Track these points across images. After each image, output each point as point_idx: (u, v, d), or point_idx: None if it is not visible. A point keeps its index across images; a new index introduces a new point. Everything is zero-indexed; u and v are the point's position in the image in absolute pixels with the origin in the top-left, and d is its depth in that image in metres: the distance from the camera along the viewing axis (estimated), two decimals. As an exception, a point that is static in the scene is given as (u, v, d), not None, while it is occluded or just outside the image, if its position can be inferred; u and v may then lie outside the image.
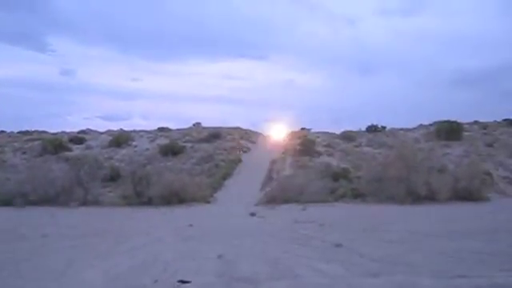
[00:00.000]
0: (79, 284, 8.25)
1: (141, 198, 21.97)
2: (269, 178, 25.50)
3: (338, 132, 40.19)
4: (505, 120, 40.95)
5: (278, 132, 44.14)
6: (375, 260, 9.66)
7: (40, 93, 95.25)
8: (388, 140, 33.61)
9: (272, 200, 21.09)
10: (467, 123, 37.54)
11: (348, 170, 25.42)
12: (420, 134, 36.51)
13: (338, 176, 24.07)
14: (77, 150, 33.59)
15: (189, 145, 34.08)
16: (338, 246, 11.38)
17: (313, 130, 44.47)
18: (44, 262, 10.28)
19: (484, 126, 37.77)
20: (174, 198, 21.80)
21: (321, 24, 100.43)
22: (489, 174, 23.84)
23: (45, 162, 28.51)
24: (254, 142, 39.07)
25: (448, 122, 34.92)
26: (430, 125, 38.05)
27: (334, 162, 28.37)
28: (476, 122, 39.74)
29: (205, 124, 47.67)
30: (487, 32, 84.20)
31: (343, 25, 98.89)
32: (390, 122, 41.63)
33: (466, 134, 34.10)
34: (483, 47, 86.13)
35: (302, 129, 46.12)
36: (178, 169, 26.42)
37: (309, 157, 29.74)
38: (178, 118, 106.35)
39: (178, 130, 43.97)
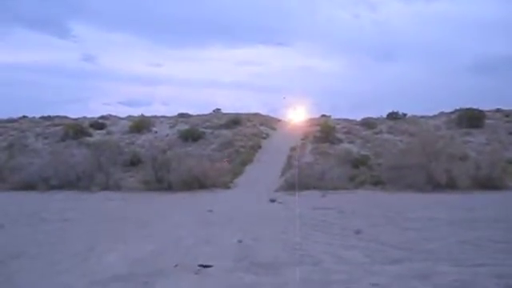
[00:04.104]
0: (101, 268, 8.36)
1: (161, 183, 22.10)
2: (289, 165, 25.48)
3: (358, 119, 39.97)
4: (528, 108, 40.35)
5: (298, 119, 43.96)
6: (395, 247, 9.67)
7: (62, 78, 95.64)
8: (409, 127, 33.34)
9: (292, 186, 21.07)
10: (489, 111, 36.97)
11: (368, 157, 25.33)
12: (441, 121, 36.11)
13: (358, 163, 24.00)
14: (98, 136, 33.83)
15: (209, 131, 34.12)
16: (358, 232, 11.40)
17: (333, 117, 44.21)
18: (65, 245, 10.43)
19: (506, 114, 37.18)
20: (195, 183, 21.89)
21: (342, 9, 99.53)
22: (511, 162, 23.60)
23: (66, 147, 28.82)
24: (274, 129, 38.98)
25: (470, 109, 34.54)
26: (452, 112, 37.60)
27: (355, 148, 28.26)
28: (498, 110, 39.11)
29: (225, 110, 47.60)
30: (509, 18, 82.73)
31: (364, 10, 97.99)
32: (411, 109, 41.22)
33: (488, 121, 33.69)
34: (507, 33, 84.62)
35: (323, 115, 45.81)
36: (198, 154, 26.50)
37: (329, 143, 29.67)
38: (198, 103, 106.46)
39: (198, 115, 43.99)
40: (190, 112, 46.15)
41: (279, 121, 43.86)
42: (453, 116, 36.11)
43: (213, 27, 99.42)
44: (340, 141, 30.78)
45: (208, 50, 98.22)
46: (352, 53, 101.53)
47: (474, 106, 34.99)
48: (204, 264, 8.28)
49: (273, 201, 18.41)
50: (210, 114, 46.26)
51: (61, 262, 8.82)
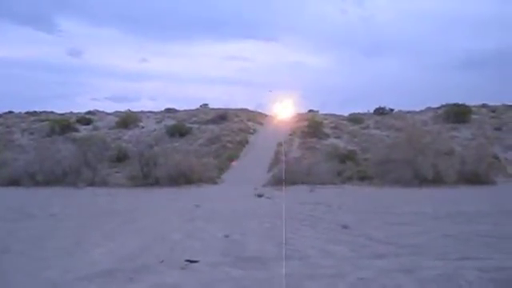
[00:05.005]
0: (87, 263, 8.31)
1: (148, 178, 22.06)
2: (276, 160, 25.51)
3: (345, 114, 40.19)
4: (514, 103, 40.59)
5: (285, 114, 44.07)
6: (381, 242, 9.70)
7: (48, 74, 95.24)
8: (396, 122, 33.51)
9: (279, 181, 21.08)
10: (475, 106, 37.30)
11: (355, 152, 25.44)
12: (428, 116, 36.36)
13: (345, 158, 24.08)
14: (84, 131, 33.72)
15: (196, 126, 34.11)
16: (345, 227, 11.42)
17: (320, 112, 44.39)
18: (51, 241, 10.35)
19: (492, 110, 37.52)
20: (181, 178, 21.86)
21: (329, 4, 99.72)
22: (496, 157, 23.77)
23: (52, 142, 28.64)
24: (261, 124, 39.03)
25: (456, 105, 34.82)
26: (438, 108, 37.89)
27: (342, 144, 28.37)
28: (484, 106, 39.43)
29: (212, 105, 47.67)
30: (498, 13, 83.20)
31: (352, 5, 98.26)
32: (398, 105, 41.43)
33: (474, 117, 33.95)
34: (493, 29, 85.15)
35: (310, 111, 45.98)
36: (185, 150, 26.46)
37: (316, 139, 29.76)
38: (185, 99, 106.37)
39: (185, 111, 44.00)
40: (177, 107, 46.25)
41: (267, 116, 43.91)
42: (439, 111, 36.38)
43: (200, 22, 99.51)
44: (327, 136, 30.89)
45: (195, 45, 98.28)
46: (340, 48, 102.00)
47: (461, 102, 35.27)
48: (190, 259, 8.26)
49: (260, 196, 18.42)
50: (197, 109, 46.30)
51: (46, 258, 8.75)
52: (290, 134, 32.05)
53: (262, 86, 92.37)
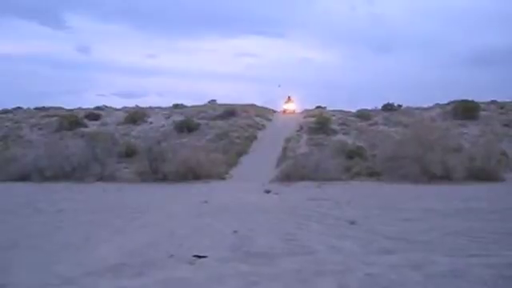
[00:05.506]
0: (95, 258, 8.33)
1: (156, 174, 22.10)
2: (284, 156, 25.50)
3: (353, 110, 40.04)
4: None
5: (293, 110, 44.24)
6: (389, 238, 9.68)
7: (56, 69, 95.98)
8: (404, 119, 33.37)
9: (287, 177, 21.11)
10: (484, 103, 37.06)
11: (363, 149, 25.37)
12: (436, 113, 36.16)
13: (353, 154, 24.03)
14: (93, 127, 33.81)
15: (204, 122, 34.12)
16: (353, 223, 11.41)
17: (328, 108, 44.26)
18: (60, 236, 10.39)
19: (501, 106, 37.29)
20: (189, 174, 21.89)
21: (338, 1, 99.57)
22: (505, 154, 23.65)
23: (61, 138, 28.76)
24: (269, 120, 38.96)
25: (465, 101, 34.61)
26: (447, 104, 37.69)
27: (350, 140, 28.31)
28: (493, 102, 39.16)
29: (220, 101, 47.55)
30: (507, 10, 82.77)
31: (361, 1, 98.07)
32: (406, 101, 41.26)
33: (483, 113, 33.77)
34: (502, 25, 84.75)
35: (318, 107, 45.86)
36: (193, 145, 26.48)
37: (324, 135, 29.72)
38: (193, 94, 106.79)
39: (193, 106, 43.95)
40: (186, 103, 46.19)
41: (275, 112, 43.92)
42: (448, 108, 36.17)
43: (209, 18, 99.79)
44: (335, 132, 30.84)
45: (204, 41, 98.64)
46: (348, 45, 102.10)
47: (469, 98, 35.07)
48: (199, 254, 8.28)
49: (268, 192, 18.42)
50: (206, 104, 46.18)
51: (55, 253, 8.78)
52: (298, 130, 32.01)
53: (269, 82, 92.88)
